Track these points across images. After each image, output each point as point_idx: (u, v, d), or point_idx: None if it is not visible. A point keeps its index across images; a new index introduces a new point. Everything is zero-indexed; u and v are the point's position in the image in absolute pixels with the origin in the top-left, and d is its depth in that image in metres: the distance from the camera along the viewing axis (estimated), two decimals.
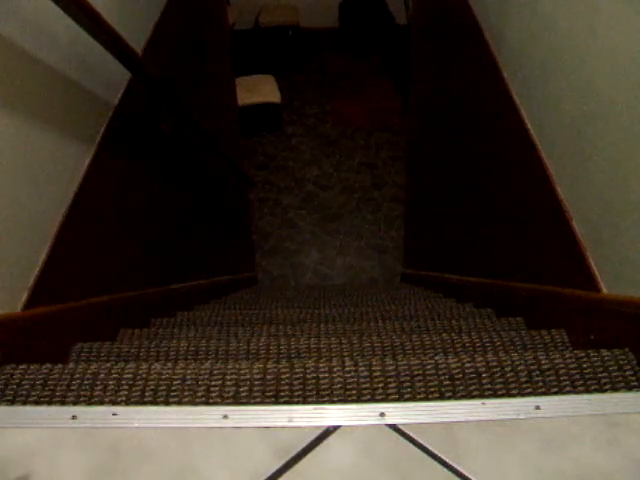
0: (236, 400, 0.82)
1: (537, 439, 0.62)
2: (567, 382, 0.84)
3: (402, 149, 4.61)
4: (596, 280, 1.02)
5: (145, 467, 0.60)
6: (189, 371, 0.86)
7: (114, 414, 0.67)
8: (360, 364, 0.86)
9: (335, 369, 0.86)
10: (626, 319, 0.91)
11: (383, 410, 0.66)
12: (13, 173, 0.98)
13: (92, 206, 1.31)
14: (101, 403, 0.82)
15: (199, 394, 0.83)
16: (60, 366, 0.88)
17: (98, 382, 0.85)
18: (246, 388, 0.83)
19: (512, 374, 0.85)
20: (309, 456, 0.60)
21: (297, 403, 0.81)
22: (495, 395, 0.83)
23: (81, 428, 0.66)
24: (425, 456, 0.60)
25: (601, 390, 0.83)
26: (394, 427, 0.64)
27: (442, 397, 0.83)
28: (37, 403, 0.83)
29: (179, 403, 0.82)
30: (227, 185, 3.31)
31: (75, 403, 0.82)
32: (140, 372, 0.86)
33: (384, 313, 1.53)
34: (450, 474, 0.58)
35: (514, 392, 0.83)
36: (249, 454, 0.61)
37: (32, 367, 0.88)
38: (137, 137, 1.70)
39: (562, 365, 0.86)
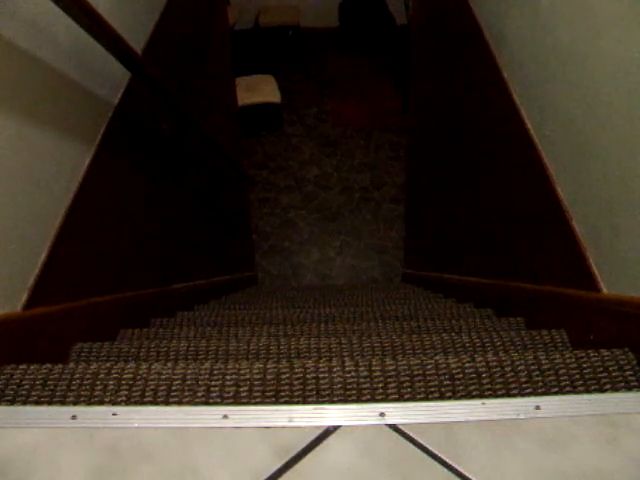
0: (236, 400, 0.82)
1: (537, 439, 0.62)
2: (567, 382, 0.84)
3: (402, 149, 4.61)
4: (596, 280, 1.02)
5: (145, 467, 0.60)
6: (189, 371, 0.86)
7: (114, 414, 0.67)
8: (360, 364, 0.86)
9: (335, 369, 0.86)
10: (626, 319, 0.91)
11: (383, 410, 0.66)
12: (13, 173, 0.98)
13: (92, 206, 1.31)
14: (101, 403, 0.82)
15: (199, 394, 0.83)
16: (60, 366, 0.88)
17: (98, 382, 0.85)
18: (246, 388, 0.83)
19: (512, 374, 0.85)
20: (309, 456, 0.60)
21: (297, 403, 0.81)
22: (495, 395, 0.82)
23: (81, 428, 0.66)
24: (425, 456, 0.60)
25: (601, 390, 0.83)
26: (394, 427, 0.64)
27: (442, 397, 0.83)
28: (37, 403, 0.83)
29: (179, 403, 0.82)
30: (227, 185, 3.31)
31: (75, 403, 0.82)
32: (140, 372, 0.86)
33: (384, 313, 1.53)
34: (450, 474, 0.58)
35: (514, 392, 0.83)
36: (249, 454, 0.61)
37: (32, 367, 0.88)
38: (137, 137, 1.70)
39: (562, 365, 0.86)
